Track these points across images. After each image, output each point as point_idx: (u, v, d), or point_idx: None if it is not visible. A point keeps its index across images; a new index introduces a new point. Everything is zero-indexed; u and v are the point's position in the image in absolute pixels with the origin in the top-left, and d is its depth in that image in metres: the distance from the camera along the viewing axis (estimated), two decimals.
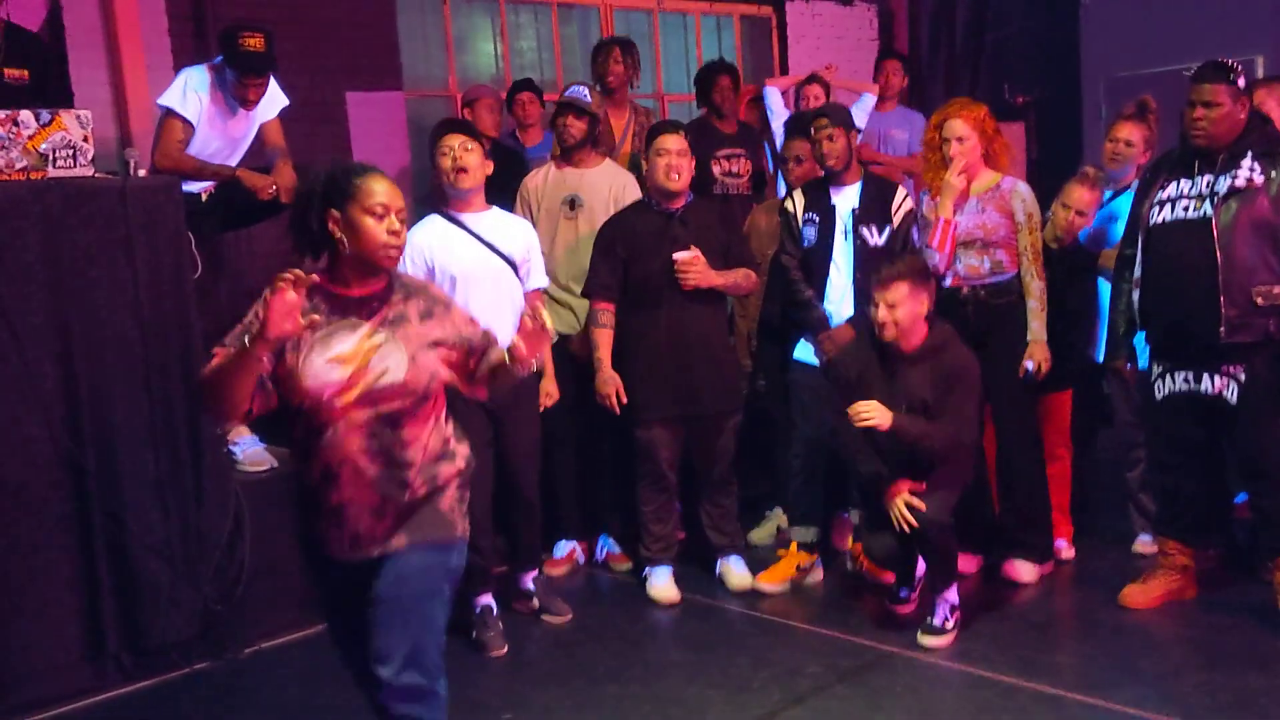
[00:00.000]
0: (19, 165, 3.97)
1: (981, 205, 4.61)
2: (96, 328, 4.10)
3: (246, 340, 2.57)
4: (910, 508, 4.09)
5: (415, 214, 6.12)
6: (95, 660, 4.14)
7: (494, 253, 4.30)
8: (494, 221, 4.38)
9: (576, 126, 5.02)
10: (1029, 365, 4.57)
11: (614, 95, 6.00)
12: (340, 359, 2.70)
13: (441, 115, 5.95)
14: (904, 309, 4.13)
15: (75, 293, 4.05)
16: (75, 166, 4.07)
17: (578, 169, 5.08)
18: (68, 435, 4.04)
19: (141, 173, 4.45)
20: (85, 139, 4.08)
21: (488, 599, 4.45)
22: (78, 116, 4.09)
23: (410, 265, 4.14)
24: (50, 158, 4.02)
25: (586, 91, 5.13)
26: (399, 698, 2.76)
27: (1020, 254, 4.59)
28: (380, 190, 2.76)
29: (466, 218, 4.32)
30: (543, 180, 5.08)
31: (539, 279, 4.49)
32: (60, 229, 4.01)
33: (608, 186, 5.03)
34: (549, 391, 4.57)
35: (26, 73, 4.49)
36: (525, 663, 4.29)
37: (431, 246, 4.23)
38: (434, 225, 4.31)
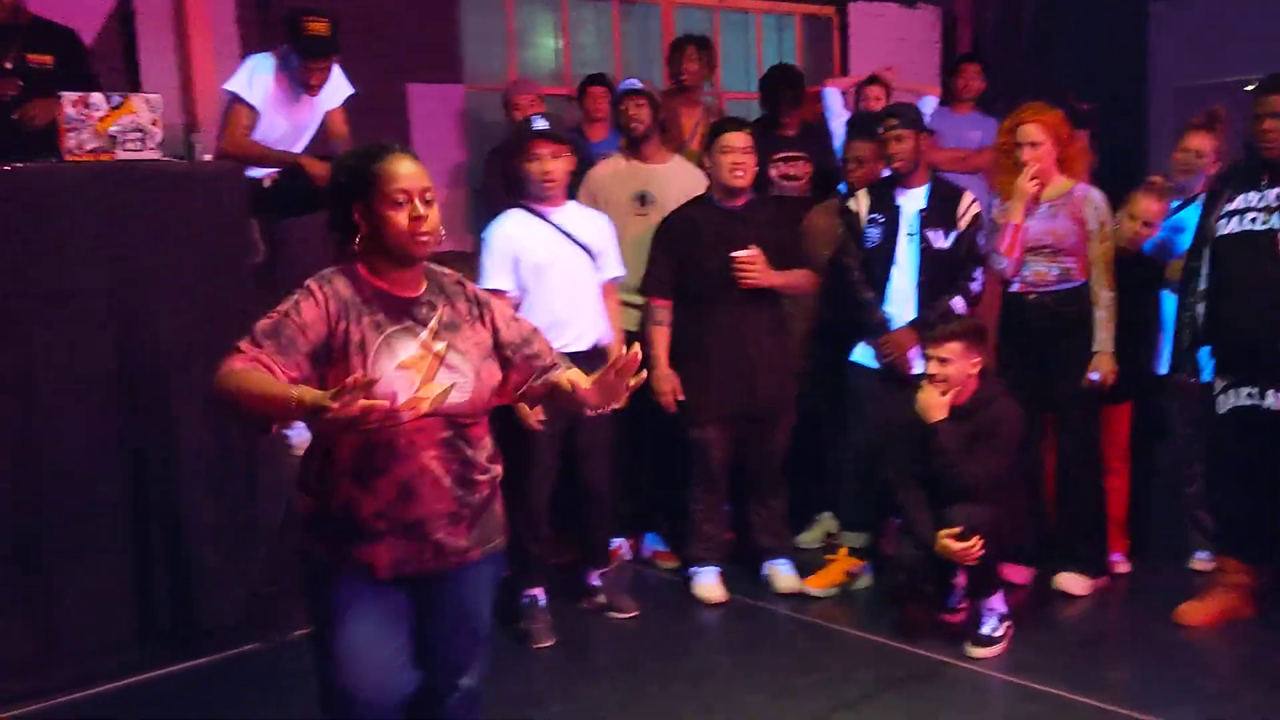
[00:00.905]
0: (89, 147, 4.00)
1: (1053, 211, 4.55)
2: (156, 312, 4.13)
3: (304, 401, 2.27)
4: (958, 532, 4.05)
5: (472, 207, 6.17)
6: (145, 639, 4.17)
7: (575, 244, 4.39)
8: (572, 214, 4.48)
9: (642, 112, 5.02)
10: (1094, 376, 4.51)
11: (688, 93, 5.98)
12: (408, 365, 2.52)
13: (500, 108, 5.97)
14: (955, 366, 4.16)
15: (136, 276, 4.08)
16: (143, 150, 4.10)
17: (647, 164, 5.07)
18: (124, 418, 4.07)
19: (206, 157, 4.48)
20: (154, 123, 4.12)
21: (537, 590, 4.44)
22: (147, 100, 4.13)
23: (497, 256, 4.28)
24: (119, 140, 4.05)
25: (639, 82, 5.13)
26: (470, 705, 2.84)
27: (1091, 263, 4.53)
28: (401, 174, 2.51)
29: (547, 211, 4.40)
30: (610, 173, 5.07)
31: (614, 269, 4.54)
32: (126, 212, 4.05)
33: (679, 184, 4.98)
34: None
35: (51, 58, 4.55)
36: (571, 656, 4.29)
37: (517, 238, 4.34)
38: (517, 218, 4.40)
